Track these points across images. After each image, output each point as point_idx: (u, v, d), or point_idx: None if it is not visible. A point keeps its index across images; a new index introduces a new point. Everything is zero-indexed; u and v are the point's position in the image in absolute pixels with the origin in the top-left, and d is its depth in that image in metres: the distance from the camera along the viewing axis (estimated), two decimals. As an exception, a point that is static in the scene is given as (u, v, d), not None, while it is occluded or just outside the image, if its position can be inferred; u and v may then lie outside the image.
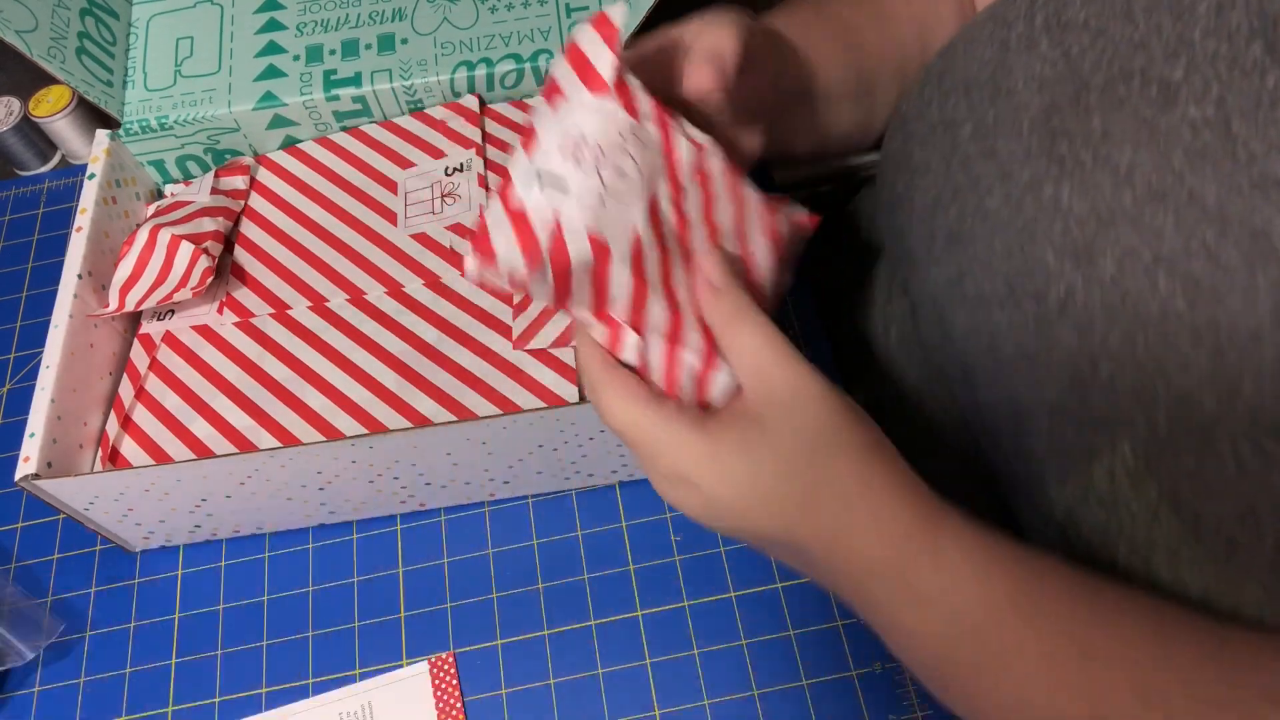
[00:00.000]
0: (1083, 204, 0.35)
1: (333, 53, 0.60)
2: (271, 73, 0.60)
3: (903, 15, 0.50)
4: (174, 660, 0.53)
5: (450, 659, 0.51)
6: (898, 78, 0.50)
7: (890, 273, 0.53)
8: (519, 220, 0.33)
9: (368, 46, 0.60)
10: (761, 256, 0.40)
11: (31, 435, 0.48)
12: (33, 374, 0.57)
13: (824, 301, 0.60)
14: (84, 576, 0.56)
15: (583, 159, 0.34)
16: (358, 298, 0.56)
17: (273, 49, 0.61)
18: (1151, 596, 0.33)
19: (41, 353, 0.51)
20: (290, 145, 0.63)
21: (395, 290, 0.56)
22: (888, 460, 0.34)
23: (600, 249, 0.34)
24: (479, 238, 0.33)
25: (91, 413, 0.53)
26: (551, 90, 0.35)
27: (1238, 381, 0.30)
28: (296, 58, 0.60)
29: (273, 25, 0.61)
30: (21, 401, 0.61)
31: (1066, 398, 0.36)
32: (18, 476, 0.47)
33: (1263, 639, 0.32)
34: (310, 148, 0.63)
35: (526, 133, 0.35)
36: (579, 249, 0.34)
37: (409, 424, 0.51)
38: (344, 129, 0.62)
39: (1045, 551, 0.34)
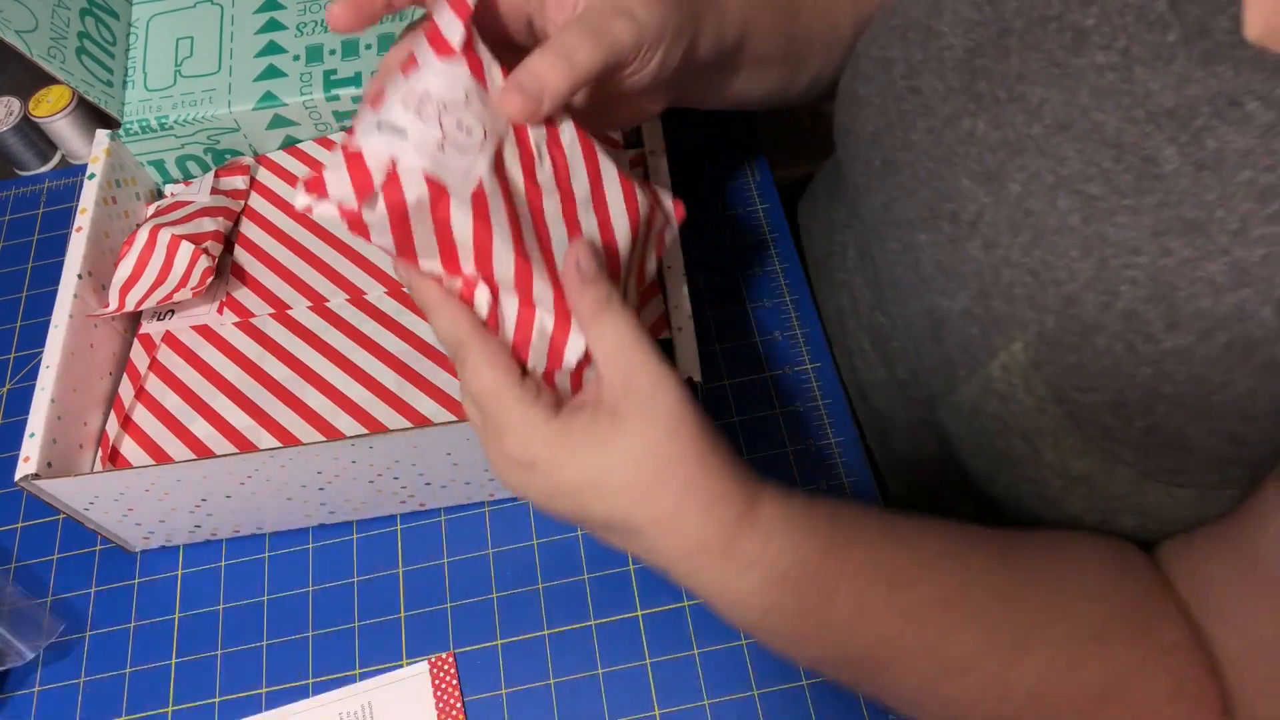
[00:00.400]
0: (996, 135, 0.39)
1: (333, 53, 0.60)
2: (271, 73, 0.60)
3: None
4: (174, 660, 0.53)
5: (450, 659, 0.51)
6: (826, 48, 0.51)
7: (845, 200, 0.55)
8: (354, 160, 0.34)
9: (368, 46, 0.60)
10: (621, 231, 0.40)
11: (31, 435, 0.48)
12: (33, 374, 0.57)
13: (808, 236, 0.63)
14: (84, 576, 0.56)
15: (425, 112, 0.35)
16: (358, 298, 0.56)
17: (273, 49, 0.61)
18: (947, 525, 0.39)
19: (41, 353, 0.51)
20: (290, 145, 0.63)
21: (395, 290, 0.56)
22: (720, 444, 0.36)
23: (438, 190, 0.34)
24: (313, 177, 0.33)
25: (91, 413, 0.54)
26: (409, 63, 0.36)
27: (1116, 287, 0.34)
28: (296, 58, 0.60)
29: (273, 25, 0.61)
30: (21, 401, 0.61)
31: (974, 305, 0.39)
32: (18, 476, 0.48)
33: (1040, 543, 0.40)
34: (310, 148, 0.63)
35: (376, 95, 0.36)
36: (415, 189, 0.34)
37: (409, 424, 0.51)
38: (344, 129, 0.62)
39: (856, 507, 0.39)
